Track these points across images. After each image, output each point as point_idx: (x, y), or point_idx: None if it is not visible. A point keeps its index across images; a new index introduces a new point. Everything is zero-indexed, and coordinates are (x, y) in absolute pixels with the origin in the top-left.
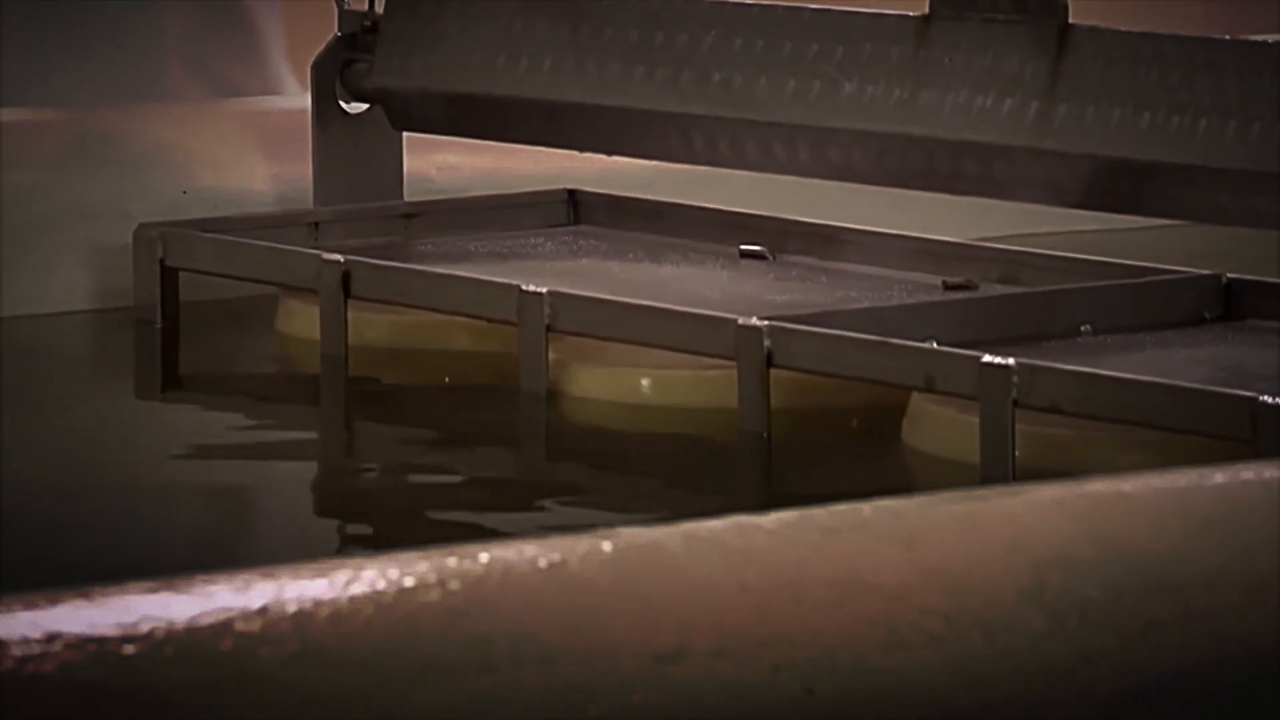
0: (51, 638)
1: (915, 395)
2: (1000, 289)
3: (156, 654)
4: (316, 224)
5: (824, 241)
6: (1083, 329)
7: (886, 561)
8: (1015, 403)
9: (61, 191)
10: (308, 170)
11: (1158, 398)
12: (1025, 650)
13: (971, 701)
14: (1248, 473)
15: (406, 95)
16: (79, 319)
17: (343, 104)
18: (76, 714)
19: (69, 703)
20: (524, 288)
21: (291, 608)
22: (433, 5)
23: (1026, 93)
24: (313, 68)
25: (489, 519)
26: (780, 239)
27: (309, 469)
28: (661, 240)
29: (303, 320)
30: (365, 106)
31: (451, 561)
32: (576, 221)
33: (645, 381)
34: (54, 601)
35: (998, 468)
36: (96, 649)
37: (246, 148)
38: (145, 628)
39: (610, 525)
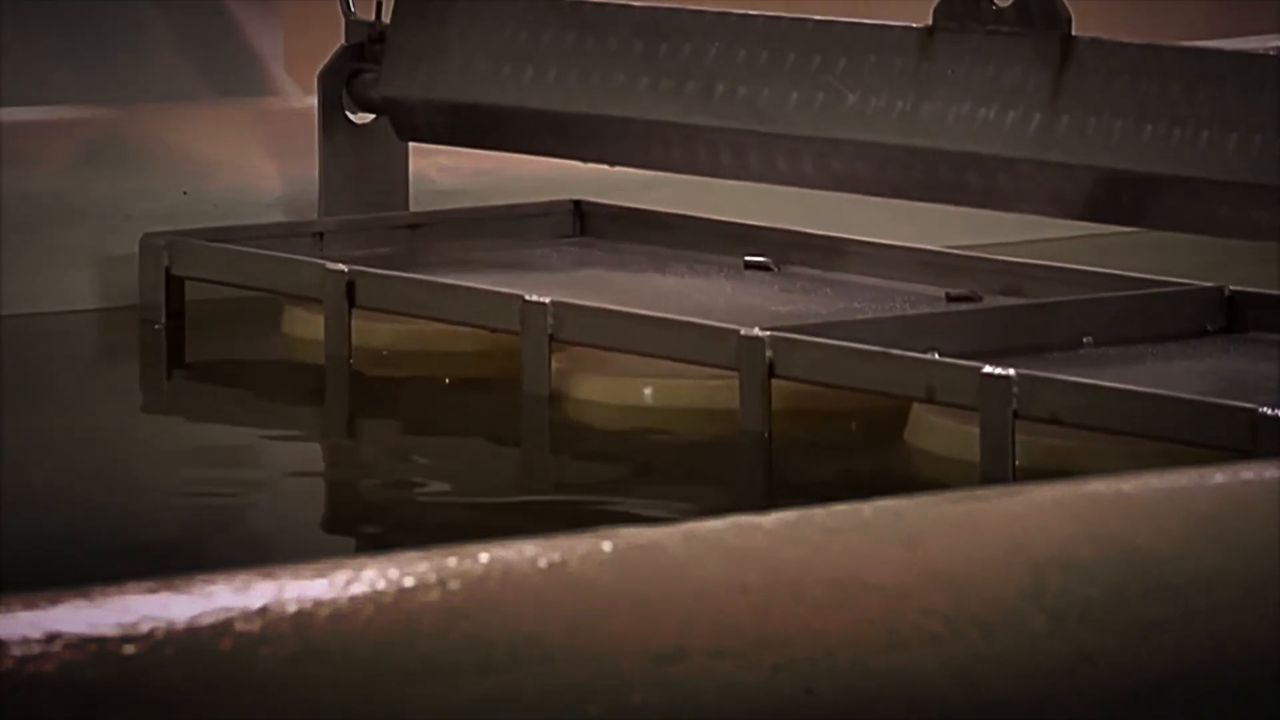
0: (51, 638)
1: (916, 405)
2: (1003, 300)
3: (156, 654)
4: (321, 234)
5: (828, 253)
6: (1085, 340)
7: (886, 561)
8: (1015, 413)
9: (65, 191)
10: (305, 170)
11: (1157, 409)
12: (1025, 650)
13: (971, 701)
14: (1248, 473)
15: (412, 105)
16: (87, 317)
17: (349, 114)
18: (76, 714)
19: (69, 703)
20: (527, 298)
21: (291, 608)
22: (439, 16)
23: (1029, 104)
24: (319, 78)
25: (491, 517)
26: (785, 250)
27: (312, 469)
28: (667, 251)
29: (307, 324)
30: (371, 117)
31: (451, 561)
32: (582, 232)
33: (648, 390)
34: (54, 601)
35: (998, 477)
36: (96, 649)
37: (248, 148)
38: (145, 628)
39: (615, 523)
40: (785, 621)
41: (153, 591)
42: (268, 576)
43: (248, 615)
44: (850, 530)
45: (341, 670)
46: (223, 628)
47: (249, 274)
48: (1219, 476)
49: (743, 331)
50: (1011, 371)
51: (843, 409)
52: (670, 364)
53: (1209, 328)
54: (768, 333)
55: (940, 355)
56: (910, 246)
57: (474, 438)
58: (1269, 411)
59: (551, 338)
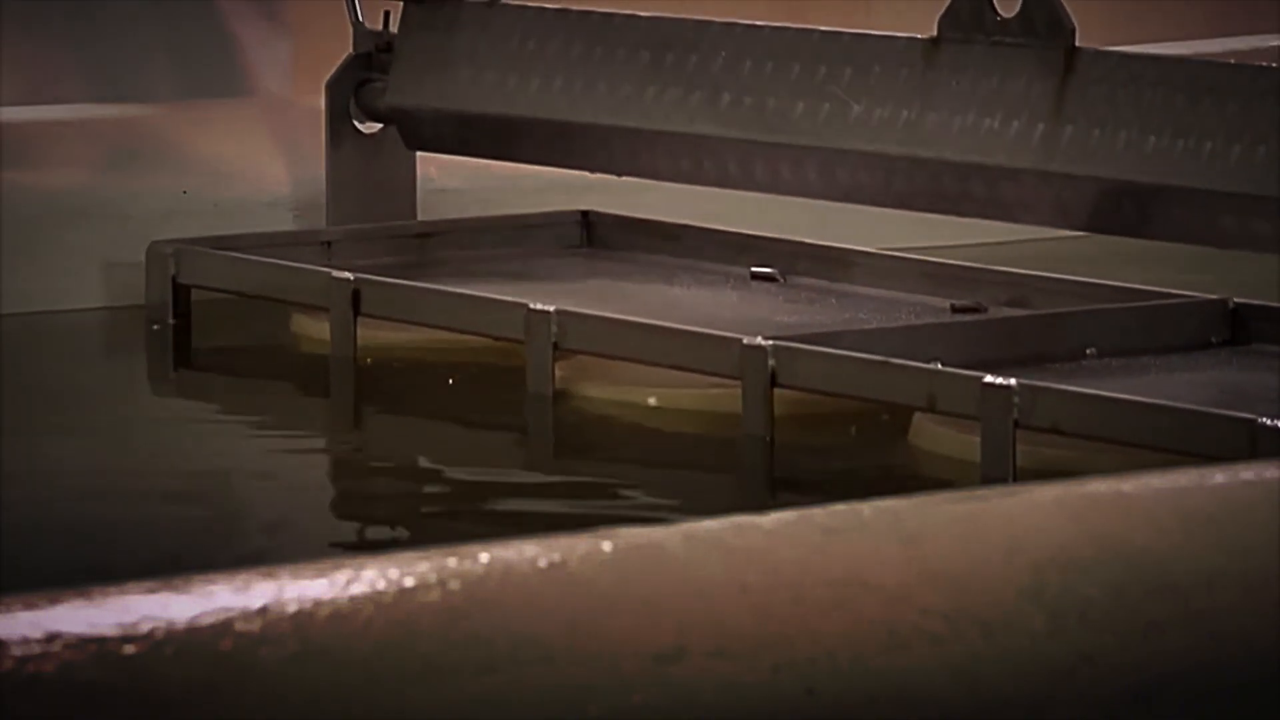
0: (51, 638)
1: (917, 414)
2: (1008, 312)
3: (156, 654)
4: (329, 243)
5: (834, 264)
6: (1088, 352)
7: (886, 561)
8: (1016, 423)
9: (65, 191)
10: (306, 171)
11: (1157, 419)
12: (1025, 650)
13: (971, 701)
14: (1248, 473)
15: (420, 115)
16: (87, 316)
17: (357, 123)
18: (76, 714)
19: (69, 703)
20: (532, 306)
21: (291, 608)
22: (447, 25)
23: (1033, 115)
24: (327, 87)
25: (493, 516)
26: (791, 261)
27: (316, 466)
28: (674, 261)
29: (315, 323)
30: (379, 126)
31: (451, 561)
32: (590, 242)
33: (651, 400)
34: (54, 601)
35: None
36: (96, 649)
37: (249, 148)
38: (145, 628)
39: (615, 523)
40: (785, 621)
41: (153, 591)
42: (268, 576)
43: (248, 615)
44: (850, 530)
45: (341, 670)
46: (223, 628)
47: (255, 282)
48: (1219, 476)
49: (745, 341)
50: (1013, 381)
51: (846, 410)
52: (674, 373)
53: (1213, 340)
54: (770, 342)
55: (943, 365)
56: (916, 258)
57: (477, 440)
58: (1268, 422)
59: (556, 346)
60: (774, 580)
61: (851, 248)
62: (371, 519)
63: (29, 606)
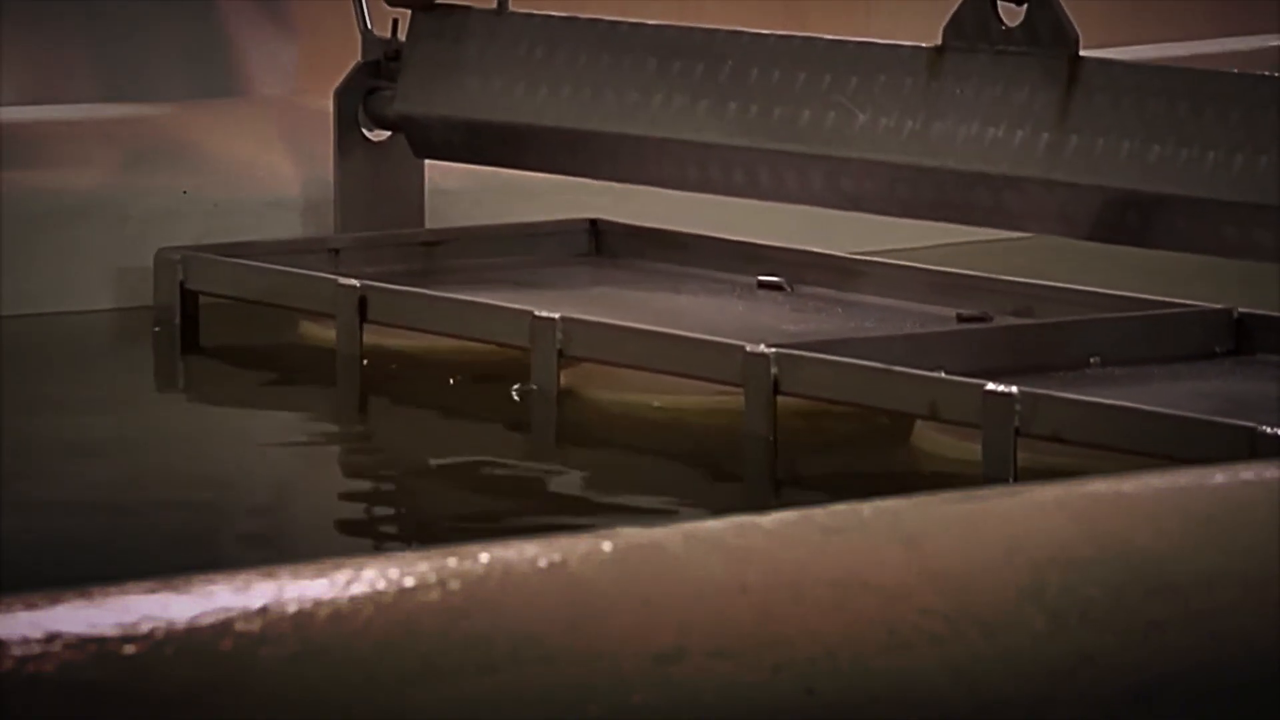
0: (51, 638)
1: (919, 423)
2: (1014, 321)
3: (156, 654)
4: (337, 250)
5: (841, 273)
6: (1092, 360)
7: (886, 561)
8: (1018, 431)
9: (65, 191)
10: (307, 170)
11: (1158, 426)
12: (1025, 650)
13: (971, 701)
14: (1248, 473)
15: (429, 123)
16: (87, 318)
17: (365, 131)
18: (76, 714)
19: (69, 703)
20: (537, 313)
21: (291, 608)
22: (455, 33)
23: (1037, 124)
24: (336, 95)
25: (496, 516)
26: (798, 270)
27: (320, 467)
28: (681, 270)
29: (322, 331)
30: (388, 134)
31: (451, 561)
32: (598, 251)
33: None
34: (54, 601)
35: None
36: (96, 649)
37: (250, 148)
38: (145, 628)
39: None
40: (785, 621)
41: (153, 591)
42: (268, 576)
43: (248, 615)
44: (850, 530)
45: (341, 670)
46: (223, 628)
47: (262, 289)
48: (1219, 477)
49: (749, 348)
50: (1014, 389)
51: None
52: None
53: (1217, 350)
54: (773, 349)
55: (947, 374)
56: (923, 267)
57: (479, 434)
58: (1268, 430)
59: (561, 353)
60: (774, 580)
61: (859, 257)
62: (376, 517)
63: (29, 606)
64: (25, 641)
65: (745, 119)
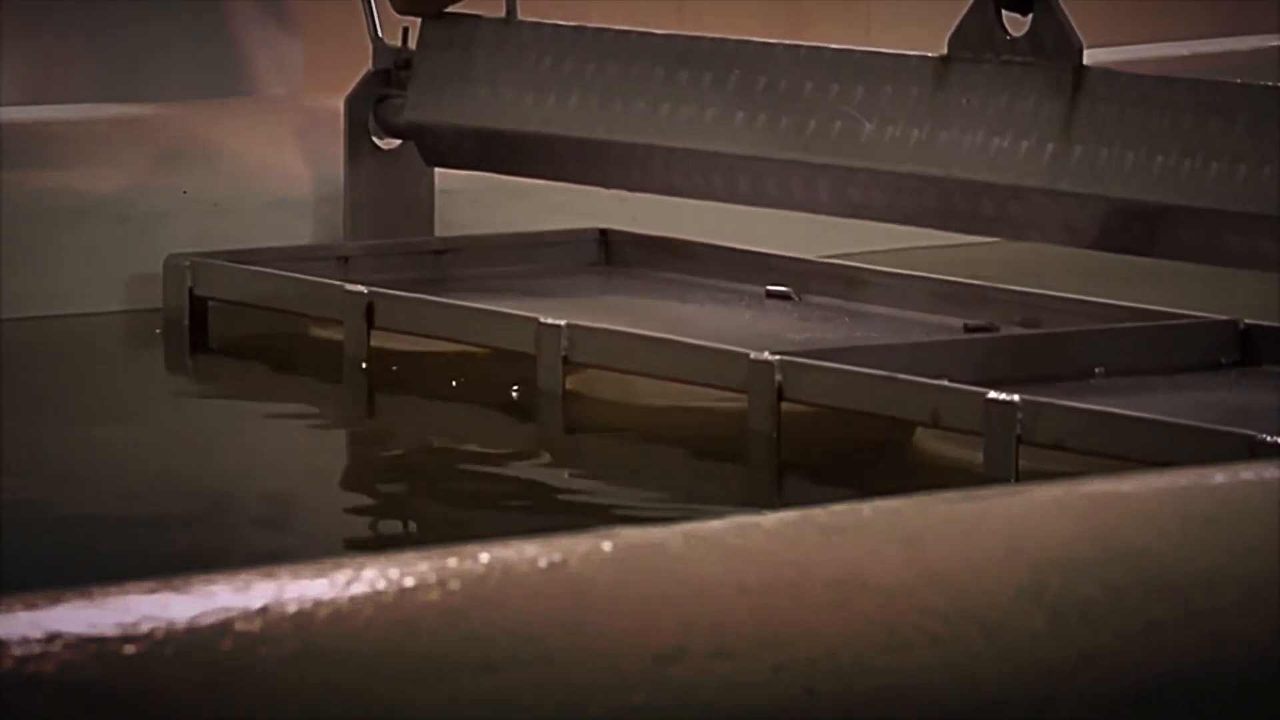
0: (51, 638)
1: (919, 431)
2: (1019, 332)
3: (156, 654)
4: (346, 258)
5: (849, 283)
6: (1097, 371)
7: (886, 561)
8: (1019, 438)
9: (65, 191)
10: (307, 171)
11: (1158, 435)
12: (1025, 650)
13: (971, 701)
14: (1248, 473)
15: (438, 131)
16: (86, 321)
17: (375, 139)
18: (76, 714)
19: (69, 703)
20: (542, 320)
21: (291, 608)
22: (464, 42)
23: (1042, 134)
24: (346, 103)
25: (499, 513)
26: (807, 280)
27: (325, 464)
28: (690, 280)
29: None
30: (398, 142)
31: (451, 561)
32: (607, 260)
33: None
34: (54, 601)
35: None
36: (96, 649)
37: (250, 148)
38: (145, 628)
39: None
40: (785, 621)
41: (153, 591)
42: (268, 576)
43: (248, 615)
44: (850, 530)
45: (341, 670)
46: (223, 628)
47: (271, 295)
48: (1219, 477)
49: (753, 355)
50: (1016, 397)
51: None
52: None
53: (1222, 360)
54: (777, 356)
55: (951, 383)
56: (930, 277)
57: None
58: (1267, 438)
59: (566, 360)
60: (774, 580)
61: (867, 267)
62: (377, 517)
63: (29, 606)
64: (25, 641)
65: (752, 128)
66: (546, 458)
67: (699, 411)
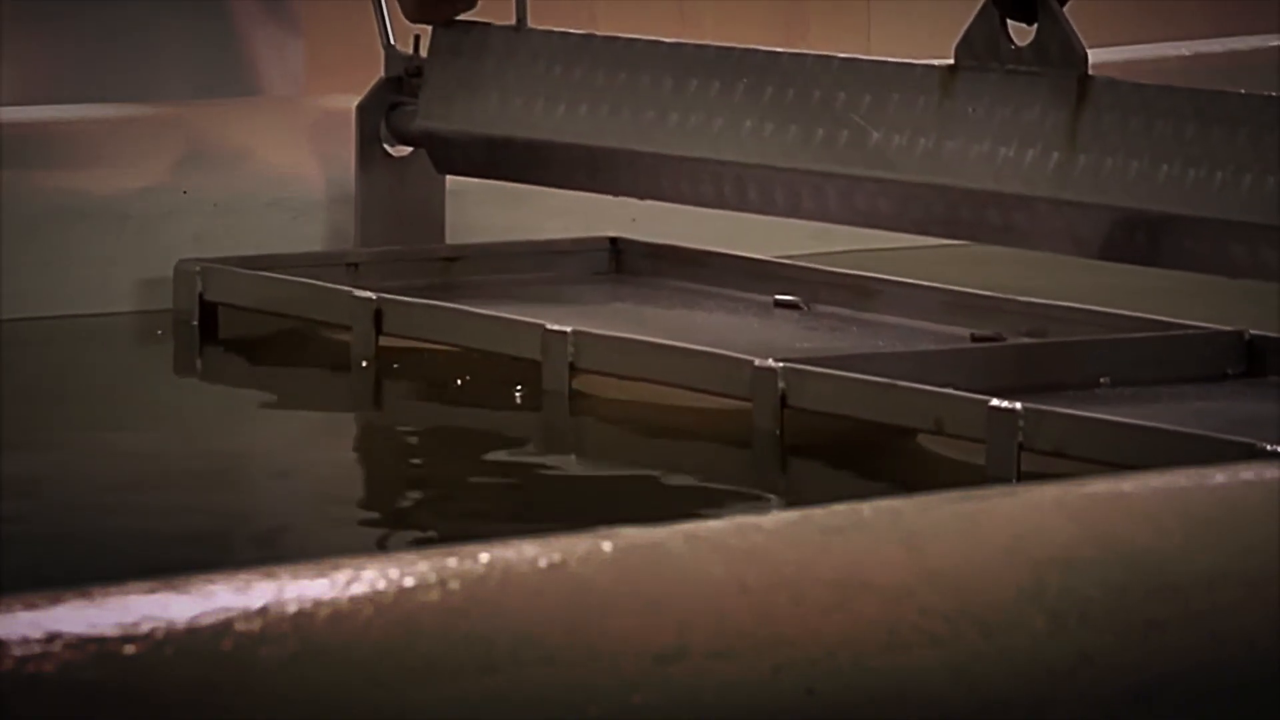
0: (51, 638)
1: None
2: (1024, 341)
3: (156, 654)
4: (356, 265)
5: (858, 293)
6: (1101, 381)
7: (886, 561)
8: (1021, 446)
9: (65, 191)
10: (307, 171)
11: (1158, 442)
12: (1025, 650)
13: (971, 701)
14: (1248, 473)
15: (449, 138)
16: (84, 321)
17: (387, 146)
18: (76, 714)
19: (69, 703)
20: (548, 326)
21: (291, 608)
22: (475, 50)
23: (1047, 144)
24: (358, 109)
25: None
26: (816, 289)
27: (330, 463)
28: (700, 288)
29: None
30: (409, 150)
31: (451, 561)
32: (618, 269)
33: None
34: (54, 601)
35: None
36: (96, 649)
37: (250, 148)
38: (145, 628)
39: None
40: (785, 621)
41: (153, 591)
42: (268, 576)
43: (248, 615)
44: (850, 530)
45: (341, 670)
46: (223, 628)
47: (280, 300)
48: (1219, 477)
49: (757, 362)
50: (1018, 405)
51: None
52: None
53: (1228, 371)
54: (781, 364)
55: (956, 391)
56: (939, 287)
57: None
58: (1266, 446)
59: (572, 366)
60: (774, 580)
61: (876, 276)
62: (398, 512)
63: (29, 606)
64: (25, 641)
65: (760, 137)
66: (550, 454)
67: (703, 411)
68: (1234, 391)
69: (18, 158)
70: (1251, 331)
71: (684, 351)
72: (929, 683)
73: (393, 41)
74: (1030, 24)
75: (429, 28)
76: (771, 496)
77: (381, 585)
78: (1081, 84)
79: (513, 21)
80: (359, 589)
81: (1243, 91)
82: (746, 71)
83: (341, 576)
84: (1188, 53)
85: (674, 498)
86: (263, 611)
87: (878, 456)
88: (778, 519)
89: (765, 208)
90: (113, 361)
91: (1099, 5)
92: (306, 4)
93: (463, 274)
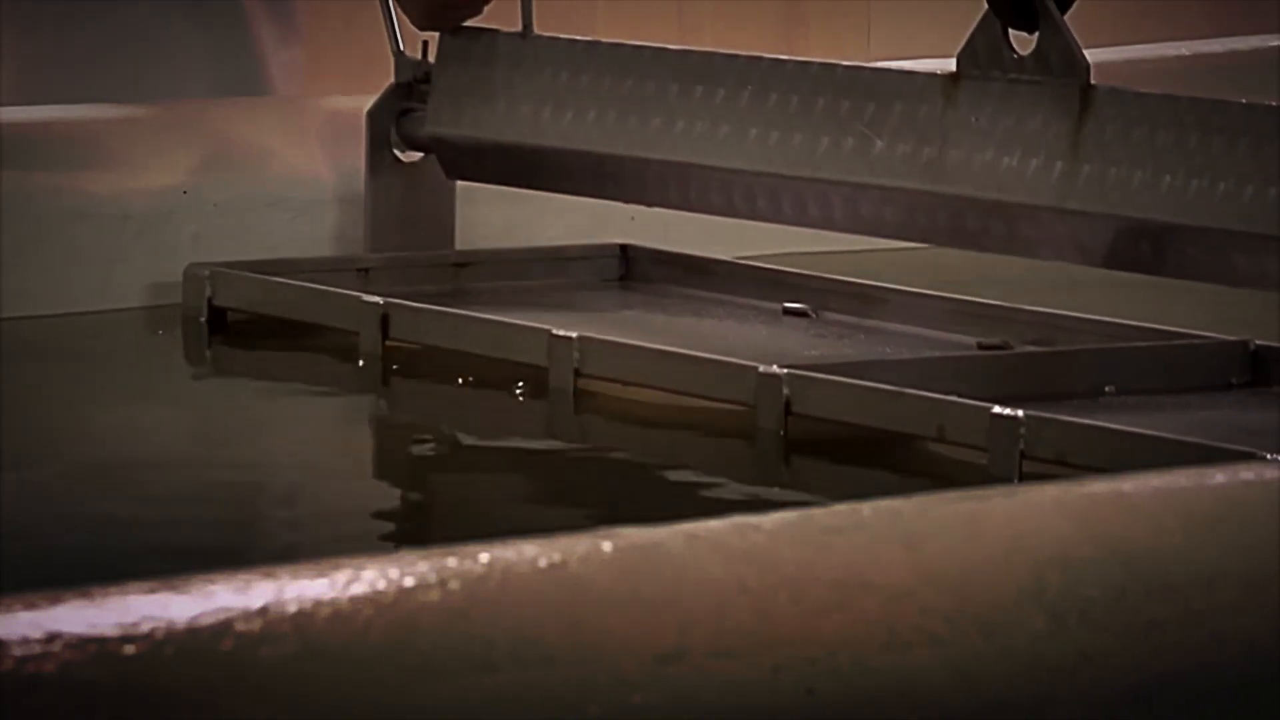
0: (51, 638)
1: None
2: (1031, 349)
3: (156, 654)
4: (366, 270)
5: (866, 301)
6: (1106, 390)
7: (886, 561)
8: (1022, 453)
9: (65, 190)
10: (307, 171)
11: (1159, 451)
12: (1025, 650)
13: (971, 701)
14: (1248, 473)
15: (459, 144)
16: (85, 319)
17: (397, 152)
18: (76, 714)
19: (69, 703)
20: (554, 332)
21: (291, 608)
22: (483, 56)
23: (1050, 153)
24: (368, 115)
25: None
26: (825, 298)
27: (332, 463)
28: (709, 296)
29: None
30: (420, 155)
31: (451, 561)
32: (628, 276)
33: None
34: (54, 601)
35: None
36: (96, 649)
37: (250, 147)
38: (145, 628)
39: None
40: (785, 621)
41: (153, 591)
42: (268, 576)
43: (248, 615)
44: (850, 530)
45: (341, 670)
46: (223, 628)
47: (288, 305)
48: (1219, 476)
49: (761, 369)
50: (1020, 412)
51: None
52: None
53: (1233, 381)
54: (785, 370)
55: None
56: (947, 296)
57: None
58: (1266, 455)
59: (577, 372)
60: (774, 580)
61: (884, 285)
62: (382, 514)
63: (29, 606)
64: (25, 641)
65: (766, 145)
66: (552, 449)
67: (706, 410)
68: (1238, 401)
69: (18, 158)
70: (1257, 342)
71: (688, 358)
72: (929, 683)
73: (402, 48)
74: (1031, 33)
75: (436, 34)
76: (776, 488)
77: (381, 585)
78: (1084, 93)
79: (519, 27)
80: (359, 589)
81: (1244, 101)
82: (751, 79)
83: (341, 576)
84: (1188, 53)
85: (674, 494)
86: (263, 611)
87: (880, 456)
88: (778, 519)
89: (774, 216)
90: (115, 359)
91: (1099, 5)
92: (306, 5)
93: (473, 279)
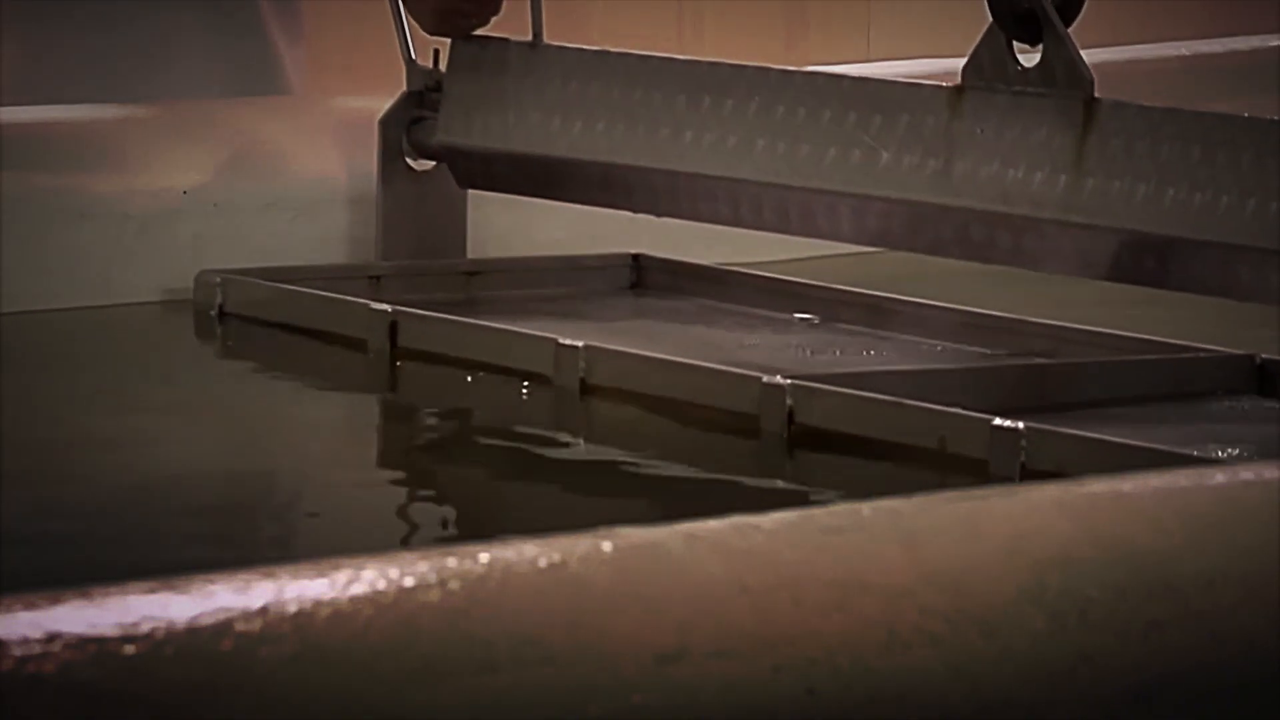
0: (51, 638)
1: None
2: (1037, 361)
3: (156, 654)
4: (378, 278)
5: (876, 312)
6: (1110, 402)
7: (886, 561)
8: (1023, 465)
9: (65, 190)
10: (307, 171)
11: (1162, 464)
12: (1025, 650)
13: (971, 701)
14: (1248, 473)
15: (470, 154)
16: (81, 316)
17: (409, 160)
18: (76, 714)
19: (69, 703)
20: (561, 341)
21: (291, 608)
22: (493, 65)
23: (1054, 166)
24: (380, 124)
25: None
26: (835, 308)
27: (334, 463)
28: (720, 306)
29: None
30: (432, 164)
31: (451, 561)
32: (639, 285)
33: None
34: (54, 601)
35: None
36: (96, 649)
37: (250, 147)
38: (145, 628)
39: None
40: (785, 622)
41: (153, 591)
42: (268, 576)
43: (248, 615)
44: (850, 530)
45: (341, 670)
46: (223, 628)
47: (297, 313)
48: (1219, 476)
49: (764, 379)
50: (1020, 424)
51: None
52: None
53: (1238, 394)
54: (789, 380)
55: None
56: (956, 308)
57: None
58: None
59: (583, 381)
60: (774, 580)
61: (893, 296)
62: (384, 513)
63: (29, 606)
64: (25, 641)
65: (773, 156)
66: (557, 444)
67: (708, 410)
68: (1241, 414)
69: (19, 157)
70: (1263, 355)
71: (694, 368)
72: (929, 683)
73: (414, 56)
74: (1035, 45)
75: (448, 41)
76: (778, 481)
77: (381, 585)
78: (1088, 106)
79: (529, 36)
80: (359, 589)
81: (1248, 115)
82: (759, 90)
83: (341, 576)
84: (1188, 53)
85: (676, 491)
86: (263, 611)
87: (880, 456)
88: (778, 519)
89: (781, 226)
90: (117, 358)
91: (1099, 5)
92: (309, 5)
93: (484, 288)
